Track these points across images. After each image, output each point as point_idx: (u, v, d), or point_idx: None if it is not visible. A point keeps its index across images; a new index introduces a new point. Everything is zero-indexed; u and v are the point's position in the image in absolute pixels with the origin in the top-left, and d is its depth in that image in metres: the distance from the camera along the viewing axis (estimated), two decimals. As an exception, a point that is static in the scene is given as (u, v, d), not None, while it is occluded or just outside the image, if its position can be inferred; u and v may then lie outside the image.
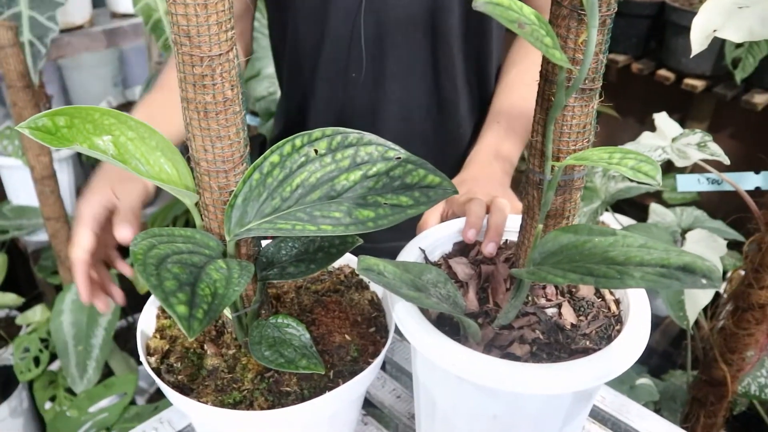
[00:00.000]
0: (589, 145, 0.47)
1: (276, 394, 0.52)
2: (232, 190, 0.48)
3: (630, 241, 0.42)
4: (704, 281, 0.36)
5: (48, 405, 1.37)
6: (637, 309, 0.50)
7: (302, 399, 0.51)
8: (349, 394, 0.52)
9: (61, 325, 1.26)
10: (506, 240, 0.62)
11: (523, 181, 0.52)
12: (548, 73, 0.45)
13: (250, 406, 0.51)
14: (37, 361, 1.34)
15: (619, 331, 0.50)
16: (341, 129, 0.50)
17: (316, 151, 0.49)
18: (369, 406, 0.74)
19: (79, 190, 1.84)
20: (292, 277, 0.52)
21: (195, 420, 0.57)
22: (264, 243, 0.55)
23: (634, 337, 0.47)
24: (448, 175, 0.51)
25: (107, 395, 1.21)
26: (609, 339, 0.50)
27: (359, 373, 0.53)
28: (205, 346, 0.56)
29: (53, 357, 1.39)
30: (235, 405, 0.51)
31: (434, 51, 0.86)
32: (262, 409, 0.51)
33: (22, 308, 1.60)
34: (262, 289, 0.54)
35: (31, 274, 1.66)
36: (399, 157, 0.50)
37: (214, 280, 0.40)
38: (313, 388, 0.52)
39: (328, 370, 0.54)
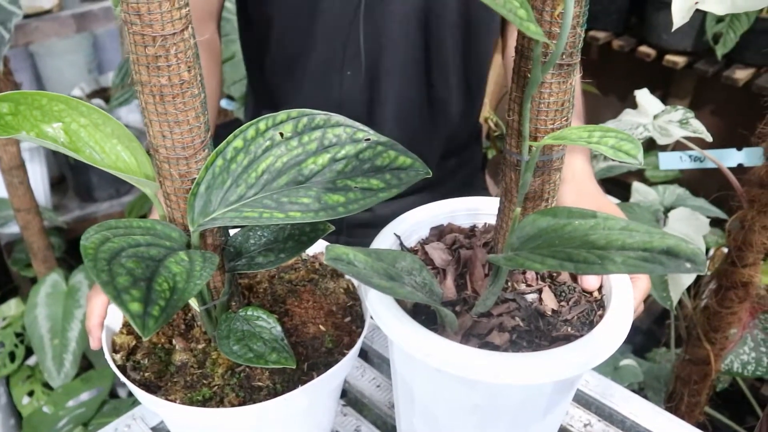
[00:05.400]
0: (567, 124, 0.45)
1: (247, 390, 0.50)
2: (194, 178, 0.45)
3: (611, 224, 0.40)
4: (688, 265, 0.34)
5: (26, 400, 1.34)
6: (620, 293, 0.49)
7: (275, 394, 0.49)
8: (323, 387, 0.50)
9: (36, 318, 1.23)
10: (485, 223, 0.60)
11: (500, 162, 0.50)
12: (524, 48, 0.43)
13: (220, 403, 0.49)
14: (12, 356, 1.31)
15: (601, 317, 0.49)
16: (307, 111, 0.48)
17: (281, 134, 0.47)
18: (348, 395, 0.73)
19: (52, 179, 1.80)
20: (261, 267, 0.50)
21: (165, 417, 0.55)
22: (232, 232, 0.53)
23: (617, 323, 0.45)
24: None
25: (85, 389, 1.19)
26: (591, 325, 0.48)
27: (334, 365, 0.51)
28: (174, 341, 0.54)
29: (29, 352, 1.36)
30: (204, 402, 0.49)
31: (428, 48, 0.84)
32: (232, 405, 0.48)
33: (-2, 301, 1.56)
34: (231, 281, 0.52)
35: (5, 267, 1.62)
36: (368, 139, 0.48)
37: (173, 273, 0.38)
38: (286, 382, 0.51)
39: (302, 362, 0.52)
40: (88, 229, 0.38)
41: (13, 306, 1.39)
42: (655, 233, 0.38)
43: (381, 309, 0.47)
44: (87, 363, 1.40)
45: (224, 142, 0.46)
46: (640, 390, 1.03)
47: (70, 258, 1.53)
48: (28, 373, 1.33)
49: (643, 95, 0.80)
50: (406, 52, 0.83)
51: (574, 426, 0.67)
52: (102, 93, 1.87)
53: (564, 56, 0.41)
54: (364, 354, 0.79)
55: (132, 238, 0.39)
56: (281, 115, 0.47)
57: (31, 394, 1.34)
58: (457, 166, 0.95)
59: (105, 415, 1.14)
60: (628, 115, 0.80)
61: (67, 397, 1.15)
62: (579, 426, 0.67)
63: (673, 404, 0.96)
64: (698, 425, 0.70)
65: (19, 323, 1.33)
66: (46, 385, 1.32)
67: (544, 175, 0.47)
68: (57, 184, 1.86)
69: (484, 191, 1.04)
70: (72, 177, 1.79)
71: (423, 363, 0.44)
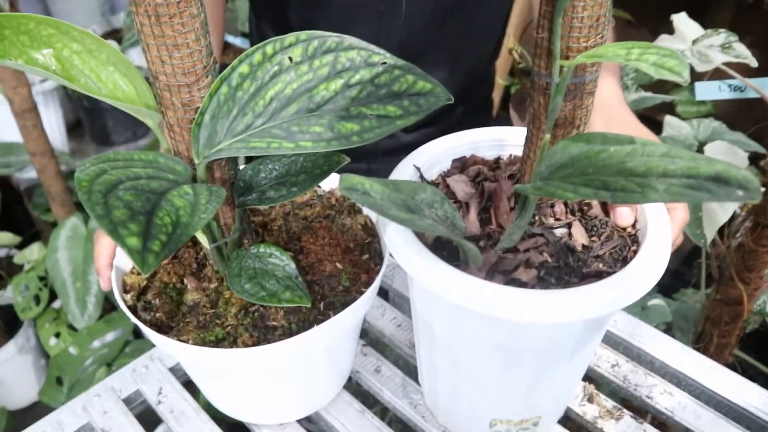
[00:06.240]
0: (602, 42, 0.41)
1: (261, 330, 0.48)
2: (198, 107, 0.42)
3: (650, 150, 0.37)
4: (740, 193, 0.31)
5: (53, 342, 1.36)
6: (656, 228, 0.45)
7: (290, 333, 0.48)
8: (340, 326, 0.48)
9: (58, 262, 1.24)
10: (511, 155, 0.56)
11: (528, 90, 0.46)
12: (556, -45, 0.38)
13: (233, 343, 0.47)
14: (37, 299, 1.33)
15: (635, 252, 0.45)
16: (318, 32, 0.44)
17: (290, 58, 0.43)
18: (368, 336, 0.71)
19: (68, 124, 1.78)
20: (272, 201, 0.47)
21: (178, 358, 0.54)
22: (242, 165, 0.50)
23: (653, 259, 0.42)
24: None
25: (108, 330, 1.20)
26: (624, 261, 0.45)
27: (351, 304, 0.49)
28: (185, 280, 0.52)
29: (54, 295, 1.37)
30: (217, 342, 0.47)
31: None
32: (246, 345, 0.47)
33: (21, 246, 1.57)
34: (242, 217, 0.49)
35: (28, 212, 1.63)
36: (384, 62, 0.44)
37: (176, 207, 0.35)
38: (301, 321, 0.49)
39: (318, 301, 0.50)
40: (85, 161, 0.35)
41: (35, 250, 1.40)
42: (700, 159, 0.35)
43: (400, 244, 0.44)
44: (110, 305, 1.41)
45: (229, 67, 0.43)
46: (668, 330, 1.01)
47: (89, 202, 1.52)
48: (53, 315, 1.34)
49: (681, 19, 0.74)
50: None
51: (602, 366, 0.65)
52: (114, 34, 1.83)
53: (602, -39, 0.37)
54: (384, 293, 0.78)
55: (132, 170, 0.37)
56: (290, 37, 0.44)
57: (57, 335, 1.36)
58: (470, 90, 0.91)
59: (128, 355, 1.15)
60: (664, 41, 0.74)
61: (90, 338, 1.16)
62: (606, 366, 0.65)
63: (701, 345, 0.93)
64: (727, 366, 0.67)
65: (42, 267, 1.34)
66: (72, 327, 1.34)
67: (575, 99, 0.43)
68: (73, 128, 1.84)
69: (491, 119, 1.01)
70: (88, 121, 1.77)
71: (444, 300, 0.41)
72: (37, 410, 1.58)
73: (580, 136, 0.39)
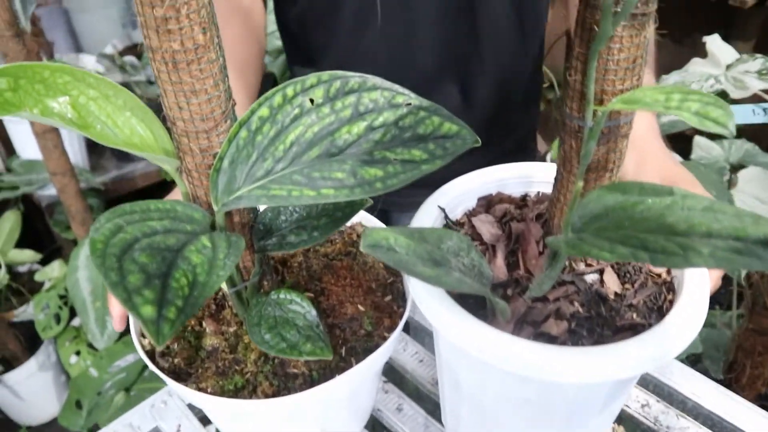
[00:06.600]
0: (639, 84, 0.39)
1: (282, 378, 0.47)
2: (217, 152, 0.41)
3: (691, 203, 0.35)
4: (793, 258, 0.29)
5: (74, 359, 1.36)
6: (694, 274, 0.43)
7: (311, 382, 0.46)
8: (363, 375, 0.47)
9: (78, 281, 1.23)
10: (539, 192, 0.54)
11: (553, 120, 0.44)
12: (590, -4, 0.37)
13: (253, 392, 0.46)
14: (57, 318, 1.33)
15: (671, 302, 0.43)
16: (340, 73, 0.42)
17: (311, 100, 0.42)
18: (389, 370, 0.69)
19: (88, 140, 1.79)
20: (292, 247, 0.46)
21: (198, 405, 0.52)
22: (261, 207, 0.49)
23: (690, 312, 0.40)
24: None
25: (128, 352, 1.19)
26: (660, 311, 0.43)
27: (374, 351, 0.47)
28: (204, 323, 0.51)
29: (74, 312, 1.37)
30: (236, 392, 0.46)
31: None
32: (266, 394, 0.45)
33: (44, 261, 1.58)
34: (261, 260, 0.48)
35: (49, 228, 1.63)
36: (409, 104, 0.43)
37: (193, 265, 0.34)
38: (322, 368, 0.47)
39: (339, 347, 0.49)
40: (100, 216, 0.34)
41: (56, 268, 1.40)
42: (745, 216, 0.33)
43: (424, 293, 0.42)
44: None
45: (248, 111, 0.41)
46: (697, 359, 0.97)
47: (109, 219, 1.53)
48: (73, 333, 1.35)
49: (714, 42, 0.71)
50: None
51: (631, 407, 0.63)
52: (134, 49, 1.84)
53: (639, 4, 0.35)
54: (405, 326, 0.76)
55: (148, 225, 0.35)
56: (311, 78, 0.42)
57: (78, 353, 1.36)
58: (510, 128, 0.87)
59: (146, 379, 1.14)
60: (696, 65, 0.72)
61: (110, 360, 1.16)
62: (636, 407, 0.63)
63: (732, 375, 0.90)
64: (759, 396, 0.64)
65: (62, 285, 1.34)
66: (92, 346, 1.34)
67: (609, 143, 0.41)
68: (93, 144, 1.85)
69: (533, 153, 0.95)
70: (109, 136, 1.77)
71: (470, 355, 0.40)
72: (57, 427, 1.58)
73: (616, 186, 0.37)
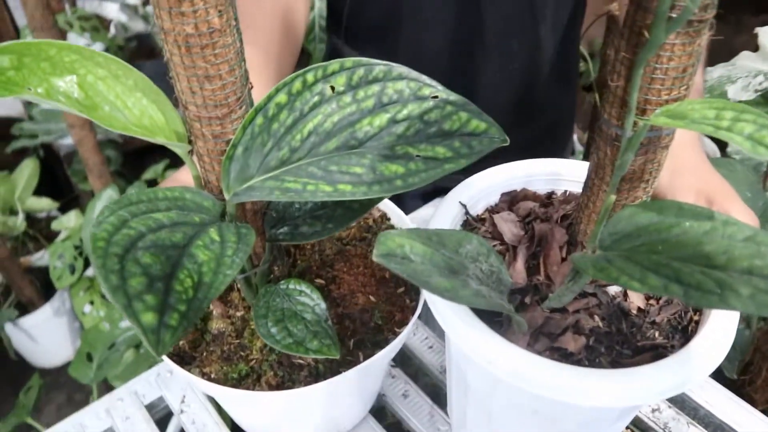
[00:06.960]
0: (686, 94, 0.36)
1: (287, 368, 0.46)
2: (230, 139, 0.39)
3: (732, 231, 0.32)
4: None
5: (87, 308, 1.38)
6: (724, 296, 0.41)
7: (316, 374, 0.45)
8: (369, 370, 0.46)
9: (93, 234, 1.24)
10: (566, 191, 0.52)
11: (594, 133, 0.41)
12: (642, -3, 0.34)
13: (257, 381, 0.45)
14: (72, 268, 1.34)
15: (696, 323, 0.41)
16: (364, 60, 0.40)
17: (332, 88, 0.40)
18: (397, 355, 0.68)
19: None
20: (305, 238, 0.44)
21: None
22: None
23: (716, 339, 0.38)
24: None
25: (139, 307, 1.20)
26: (684, 332, 0.41)
27: (383, 347, 0.46)
28: (211, 305, 0.50)
29: (88, 263, 1.38)
30: (240, 380, 0.45)
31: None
32: (270, 385, 0.45)
33: (62, 209, 1.59)
34: (272, 247, 0.46)
35: (68, 177, 1.64)
36: (436, 96, 0.40)
37: (199, 264, 0.33)
38: (329, 361, 0.46)
39: (348, 338, 0.48)
40: (104, 208, 0.32)
41: (73, 218, 1.40)
42: (792, 250, 0.30)
43: (439, 300, 0.41)
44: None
45: (265, 96, 0.39)
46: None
47: (125, 171, 1.53)
48: (87, 284, 1.36)
49: (766, 34, 0.67)
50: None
51: (642, 411, 0.61)
52: None
53: (698, 10, 0.32)
54: (416, 309, 0.75)
55: (153, 218, 0.34)
56: (333, 64, 0.40)
57: (92, 303, 1.37)
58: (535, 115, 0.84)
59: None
60: (745, 59, 0.67)
61: (121, 315, 1.17)
62: (646, 410, 0.61)
63: (747, 377, 0.88)
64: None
65: (77, 236, 1.35)
66: (105, 297, 1.35)
67: (648, 154, 0.38)
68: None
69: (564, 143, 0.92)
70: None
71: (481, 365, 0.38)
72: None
73: (652, 204, 0.35)
